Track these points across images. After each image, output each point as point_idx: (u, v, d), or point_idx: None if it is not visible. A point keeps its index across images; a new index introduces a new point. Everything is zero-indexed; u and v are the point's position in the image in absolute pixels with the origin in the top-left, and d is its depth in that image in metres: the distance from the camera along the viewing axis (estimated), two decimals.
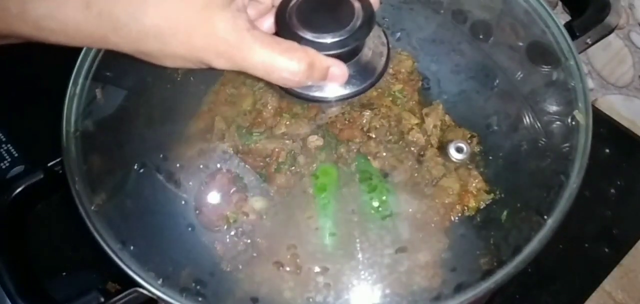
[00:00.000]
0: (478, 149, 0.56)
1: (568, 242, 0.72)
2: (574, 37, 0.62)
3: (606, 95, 0.90)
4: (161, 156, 0.57)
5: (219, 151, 0.57)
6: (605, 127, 0.84)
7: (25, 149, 0.80)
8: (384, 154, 0.55)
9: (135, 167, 0.57)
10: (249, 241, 0.53)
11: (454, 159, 0.55)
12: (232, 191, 0.55)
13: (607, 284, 0.71)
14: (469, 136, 0.56)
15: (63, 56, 0.61)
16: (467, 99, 0.59)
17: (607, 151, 0.81)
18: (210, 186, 0.56)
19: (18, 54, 0.88)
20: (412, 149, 0.56)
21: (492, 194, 0.54)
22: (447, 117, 0.58)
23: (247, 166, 0.56)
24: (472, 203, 0.53)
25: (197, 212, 0.54)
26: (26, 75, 0.88)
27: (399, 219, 0.52)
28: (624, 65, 0.86)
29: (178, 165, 0.57)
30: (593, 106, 0.58)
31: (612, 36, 0.77)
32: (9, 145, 0.81)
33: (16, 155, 0.80)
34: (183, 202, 0.55)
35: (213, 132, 0.58)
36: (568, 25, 0.63)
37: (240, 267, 0.53)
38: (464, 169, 0.55)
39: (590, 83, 0.90)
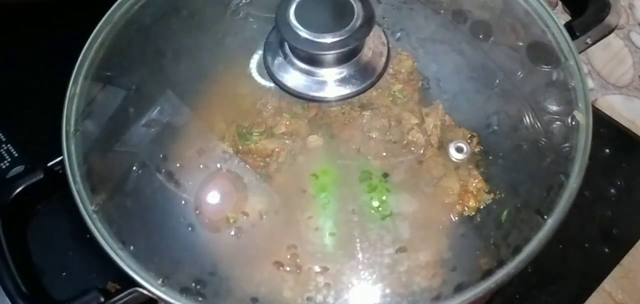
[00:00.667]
0: (478, 149, 0.56)
1: (568, 242, 0.72)
2: (574, 37, 0.62)
3: (606, 95, 0.90)
4: (161, 156, 0.57)
5: (219, 151, 0.57)
6: (605, 127, 0.84)
7: (25, 149, 0.81)
8: (384, 154, 0.55)
9: (135, 167, 0.57)
10: (249, 241, 0.53)
11: (454, 159, 0.55)
12: (232, 191, 0.55)
13: (607, 284, 0.71)
14: (469, 136, 0.56)
15: (63, 56, 0.62)
16: (467, 99, 0.59)
17: (607, 151, 0.81)
18: (210, 186, 0.56)
19: (18, 54, 0.89)
20: (412, 149, 0.56)
21: (492, 194, 0.54)
22: (447, 117, 0.57)
23: (247, 166, 0.56)
24: (472, 203, 0.53)
25: (197, 212, 0.54)
26: (26, 75, 0.88)
27: (399, 219, 0.53)
28: (624, 65, 0.86)
29: (178, 165, 0.57)
30: (593, 106, 0.58)
31: (612, 36, 0.77)
32: (9, 145, 0.81)
33: (16, 155, 0.80)
34: (183, 202, 0.55)
35: (213, 132, 0.58)
36: (568, 25, 0.63)
37: (240, 267, 0.53)
38: (464, 169, 0.55)
39: (590, 83, 0.90)
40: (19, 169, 0.78)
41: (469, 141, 0.56)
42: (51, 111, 0.61)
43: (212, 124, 0.59)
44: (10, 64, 0.88)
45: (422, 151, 0.56)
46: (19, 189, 0.59)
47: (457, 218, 0.53)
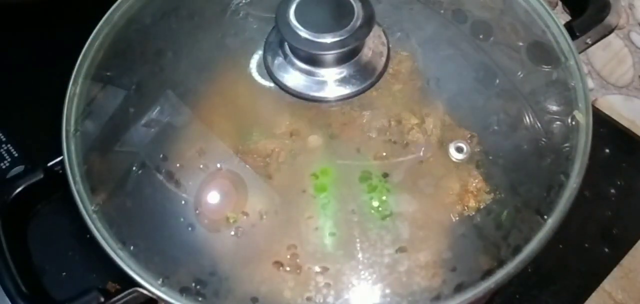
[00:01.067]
0: (478, 149, 0.56)
1: (568, 242, 0.72)
2: (574, 37, 0.63)
3: (606, 95, 0.90)
4: (161, 156, 0.57)
5: (219, 151, 0.57)
6: (605, 127, 0.84)
7: (25, 149, 0.81)
8: (384, 154, 0.55)
9: (135, 167, 0.57)
10: (249, 241, 0.53)
11: (454, 159, 0.55)
12: (232, 191, 0.55)
13: (607, 284, 0.71)
14: (469, 136, 0.56)
15: (63, 56, 0.62)
16: (467, 99, 0.59)
17: (607, 151, 0.81)
18: (210, 186, 0.56)
19: (18, 54, 0.89)
20: (412, 149, 0.56)
21: (492, 194, 0.54)
22: (447, 117, 0.57)
23: (247, 166, 0.56)
24: (472, 203, 0.53)
25: (197, 212, 0.54)
26: (26, 75, 0.89)
27: (399, 219, 0.53)
28: (624, 65, 0.87)
29: (178, 165, 0.57)
30: (593, 106, 0.58)
31: (612, 36, 0.77)
32: (9, 145, 0.81)
33: (16, 155, 0.80)
34: (183, 202, 0.55)
35: (213, 132, 0.58)
36: (568, 26, 0.63)
37: (240, 267, 0.53)
38: (464, 169, 0.55)
39: (590, 83, 0.90)
40: (19, 169, 0.78)
41: (469, 141, 0.56)
42: (51, 111, 0.61)
43: (212, 124, 0.59)
44: (10, 64, 0.89)
45: (422, 151, 0.56)
46: (19, 189, 0.59)
47: (457, 218, 0.53)
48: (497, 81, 0.60)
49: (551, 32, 0.63)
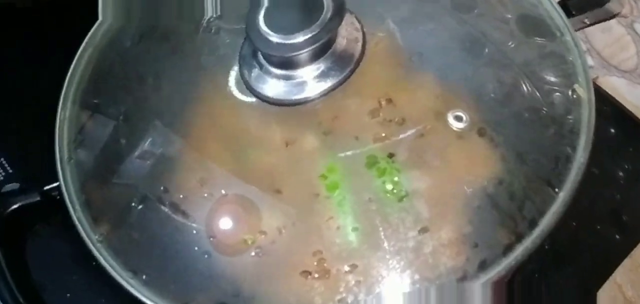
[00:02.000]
0: (477, 118, 0.64)
1: (579, 219, 0.80)
2: (569, 15, 0.73)
3: (608, 75, 1.00)
4: (162, 188, 0.66)
5: (220, 177, 0.66)
6: (609, 105, 0.92)
7: (20, 166, 0.89)
8: (383, 134, 0.64)
9: (136, 200, 0.66)
10: (272, 258, 0.61)
11: (455, 128, 0.64)
12: (242, 213, 0.64)
13: (618, 276, 0.79)
14: (463, 105, 0.65)
15: (58, 69, 0.75)
16: (455, 70, 0.69)
17: (613, 130, 0.90)
18: (219, 213, 0.64)
19: (12, 69, 1.00)
20: (409, 124, 0.64)
21: (499, 162, 0.62)
22: (438, 88, 0.66)
23: (251, 185, 0.64)
24: (481, 171, 0.62)
25: (211, 239, 0.63)
26: (20, 91, 0.99)
27: (415, 198, 0.60)
28: (626, 52, 0.99)
29: (181, 196, 0.65)
30: (595, 83, 0.67)
31: (613, 21, 0.89)
32: (2, 159, 0.89)
33: (10, 171, 0.88)
34: (194, 231, 0.63)
35: (208, 158, 0.67)
36: (562, 3, 0.74)
37: (266, 284, 0.61)
38: (467, 138, 0.64)
39: (590, 61, 1.00)
40: (13, 186, 0.85)
41: (466, 110, 0.64)
42: (46, 129, 0.71)
43: (206, 151, 0.67)
44: (4, 79, 0.99)
45: (421, 125, 0.64)
46: (14, 206, 0.70)
47: (470, 189, 0.61)
48: (486, 50, 0.69)
49: (544, 8, 0.73)
